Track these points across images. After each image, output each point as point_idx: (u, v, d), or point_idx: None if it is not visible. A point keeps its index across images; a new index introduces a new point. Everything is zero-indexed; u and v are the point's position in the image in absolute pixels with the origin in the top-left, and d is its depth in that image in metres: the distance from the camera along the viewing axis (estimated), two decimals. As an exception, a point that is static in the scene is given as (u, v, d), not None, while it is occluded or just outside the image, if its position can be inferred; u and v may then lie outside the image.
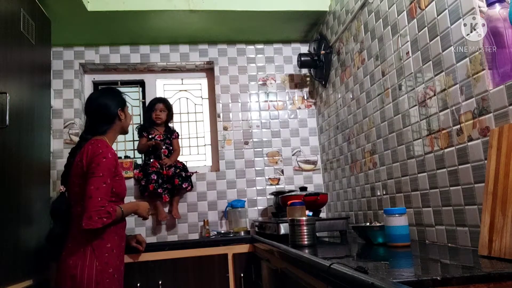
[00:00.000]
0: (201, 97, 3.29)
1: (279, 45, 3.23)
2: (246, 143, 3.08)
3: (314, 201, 2.36)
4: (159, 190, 2.74)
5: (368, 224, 1.86)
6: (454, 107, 1.46)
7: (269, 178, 3.06)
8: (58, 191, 2.07)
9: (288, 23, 2.94)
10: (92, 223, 1.67)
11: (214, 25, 2.91)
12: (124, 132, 2.08)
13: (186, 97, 3.29)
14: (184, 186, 2.79)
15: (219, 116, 3.11)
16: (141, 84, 3.23)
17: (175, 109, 3.21)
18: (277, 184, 3.06)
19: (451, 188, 1.49)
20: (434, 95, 1.58)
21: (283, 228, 2.04)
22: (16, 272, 1.72)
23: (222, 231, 2.86)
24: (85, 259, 1.72)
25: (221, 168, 3.03)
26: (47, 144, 2.18)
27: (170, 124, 3.02)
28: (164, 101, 2.95)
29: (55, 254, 1.85)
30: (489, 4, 1.28)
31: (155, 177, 2.74)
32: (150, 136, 2.86)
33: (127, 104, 2.08)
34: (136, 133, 3.00)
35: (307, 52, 3.02)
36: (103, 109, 1.95)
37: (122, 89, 3.18)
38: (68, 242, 1.79)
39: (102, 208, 1.69)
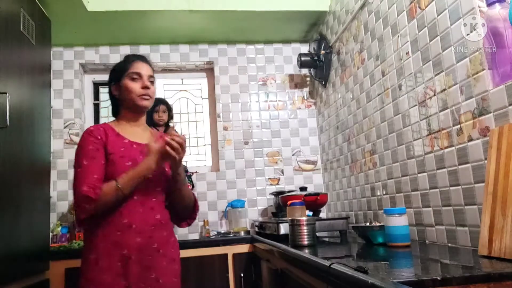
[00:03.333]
0: (201, 97, 3.29)
1: (279, 45, 3.23)
2: (246, 143, 3.08)
3: (314, 201, 2.37)
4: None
5: (368, 224, 1.86)
6: (454, 107, 1.46)
7: (269, 178, 3.06)
8: None
9: (288, 23, 2.94)
10: (76, 216, 1.39)
11: (214, 25, 2.91)
12: (133, 106, 1.54)
13: (186, 97, 3.29)
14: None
15: (219, 116, 3.11)
16: (141, 84, 3.23)
17: (175, 109, 3.22)
18: (277, 184, 3.06)
19: (451, 188, 1.49)
20: (434, 95, 1.58)
21: (283, 228, 2.04)
22: (16, 272, 1.72)
23: (222, 231, 2.86)
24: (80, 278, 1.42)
25: (221, 168, 3.02)
26: (47, 144, 2.18)
27: (170, 124, 3.01)
28: (165, 102, 2.94)
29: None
30: (489, 4, 1.28)
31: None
32: None
33: (127, 71, 1.55)
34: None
35: (307, 52, 3.02)
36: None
37: (122, 89, 3.18)
38: None
39: (78, 195, 1.35)
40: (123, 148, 1.48)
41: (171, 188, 1.57)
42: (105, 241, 1.40)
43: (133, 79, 1.54)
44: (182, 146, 1.43)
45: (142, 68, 1.56)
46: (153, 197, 1.50)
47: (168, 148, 1.40)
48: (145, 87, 1.53)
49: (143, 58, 1.62)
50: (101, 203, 1.36)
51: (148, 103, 1.55)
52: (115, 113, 1.62)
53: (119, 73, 1.57)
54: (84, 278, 1.39)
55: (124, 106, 1.58)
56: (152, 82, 1.58)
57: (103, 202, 1.37)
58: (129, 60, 1.59)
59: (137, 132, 1.58)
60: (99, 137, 1.46)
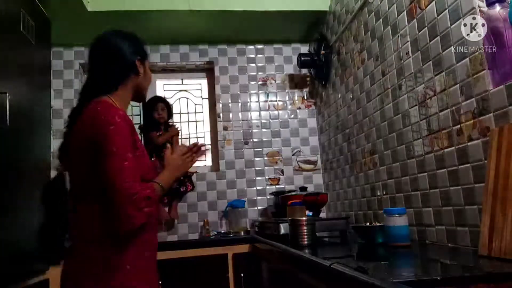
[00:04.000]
0: (201, 97, 3.29)
1: (279, 45, 3.23)
2: (246, 143, 3.08)
3: (314, 201, 2.36)
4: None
5: (368, 224, 1.86)
6: (454, 107, 1.46)
7: (269, 178, 3.06)
8: (56, 168, 1.51)
9: (288, 23, 2.94)
10: (132, 221, 1.13)
11: (214, 25, 2.91)
12: (140, 95, 1.43)
13: (186, 97, 3.29)
14: (182, 190, 2.80)
15: (219, 116, 3.11)
16: (141, 84, 3.23)
17: (175, 109, 3.22)
18: (277, 184, 3.06)
19: (451, 188, 1.49)
20: (434, 95, 1.58)
21: (283, 228, 2.04)
22: (16, 272, 1.72)
23: (222, 231, 2.85)
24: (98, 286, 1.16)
25: (221, 168, 3.02)
26: (47, 144, 2.18)
27: (170, 122, 3.01)
28: (163, 99, 2.93)
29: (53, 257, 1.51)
30: (489, 4, 1.28)
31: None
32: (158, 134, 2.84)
33: (148, 58, 1.47)
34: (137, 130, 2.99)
35: (307, 52, 3.02)
36: (114, 54, 1.37)
37: (122, 89, 3.18)
38: (70, 254, 1.26)
39: (136, 195, 1.13)
40: (139, 141, 1.31)
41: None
42: (149, 266, 1.23)
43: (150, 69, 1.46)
44: (196, 149, 1.41)
45: None
46: None
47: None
48: None
49: None
50: (157, 204, 1.22)
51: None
52: (109, 86, 1.34)
53: (145, 52, 1.42)
54: (140, 282, 1.18)
55: (133, 87, 1.38)
56: None
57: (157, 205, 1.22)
58: (146, 45, 1.48)
59: None
60: (131, 126, 1.26)
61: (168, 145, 1.42)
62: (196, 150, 1.39)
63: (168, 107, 2.92)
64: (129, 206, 1.12)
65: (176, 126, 2.92)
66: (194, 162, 1.40)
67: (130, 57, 1.37)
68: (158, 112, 2.84)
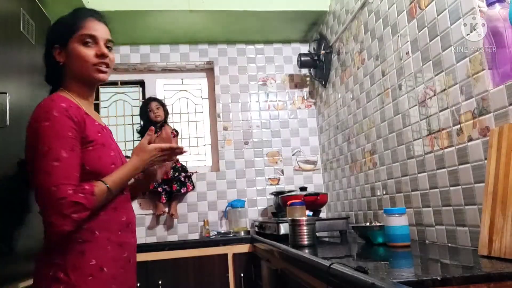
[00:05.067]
0: (201, 97, 3.29)
1: (279, 45, 3.23)
2: (246, 143, 3.08)
3: (314, 201, 2.37)
4: (158, 189, 2.76)
5: (368, 224, 1.86)
6: (454, 107, 1.46)
7: (269, 178, 3.06)
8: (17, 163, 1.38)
9: (288, 23, 2.94)
10: (56, 228, 1.05)
11: (214, 25, 2.91)
12: (84, 78, 1.24)
13: (186, 97, 3.29)
14: (182, 191, 2.80)
15: (219, 116, 3.11)
16: (141, 84, 3.23)
17: (175, 109, 3.22)
18: (277, 184, 3.06)
19: (451, 188, 1.49)
20: (434, 95, 1.58)
21: (283, 228, 2.04)
22: (16, 273, 1.72)
23: (222, 231, 2.86)
24: None
25: (221, 168, 3.02)
26: (47, 144, 2.18)
27: (169, 123, 3.01)
28: (154, 98, 2.92)
29: None
30: (489, 4, 1.28)
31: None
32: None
33: (76, 33, 1.24)
34: (136, 133, 2.99)
35: (307, 52, 3.02)
36: (44, 49, 1.29)
37: (122, 89, 3.19)
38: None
39: (63, 199, 1.04)
40: (100, 133, 1.21)
41: (138, 192, 1.44)
42: (111, 243, 1.15)
43: (85, 44, 1.22)
44: (176, 152, 1.31)
45: (97, 29, 1.24)
46: (128, 193, 1.33)
47: (162, 152, 1.26)
48: (102, 55, 1.23)
49: (97, 15, 1.28)
50: (92, 212, 1.10)
51: (105, 76, 1.26)
52: (55, 82, 1.27)
53: (65, 34, 1.22)
54: None
55: (72, 77, 1.24)
56: (110, 49, 1.29)
57: (93, 211, 1.11)
58: (79, 16, 1.26)
59: (93, 113, 1.29)
60: (76, 120, 1.13)
61: (149, 132, 1.31)
62: (175, 153, 1.32)
63: (163, 105, 2.91)
64: (53, 212, 1.05)
65: (172, 129, 2.88)
66: (165, 162, 1.33)
67: (49, 49, 1.26)
68: (154, 111, 2.83)
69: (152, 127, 1.36)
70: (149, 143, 1.29)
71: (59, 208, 1.04)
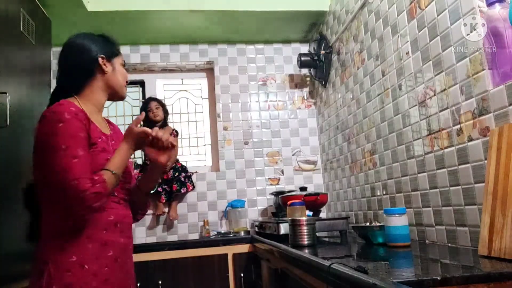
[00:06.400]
0: (201, 97, 3.29)
1: (279, 45, 3.23)
2: (246, 143, 3.08)
3: (314, 201, 2.37)
4: (158, 189, 2.76)
5: (368, 224, 1.86)
6: (454, 107, 1.46)
7: (269, 178, 3.06)
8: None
9: (288, 23, 2.94)
10: (82, 219, 1.18)
11: (214, 25, 2.91)
12: (114, 93, 1.40)
13: (186, 97, 3.29)
14: (182, 191, 2.80)
15: (219, 116, 3.11)
16: (141, 84, 3.23)
17: (175, 109, 3.22)
18: (277, 184, 3.06)
19: (451, 188, 1.49)
20: (434, 95, 1.58)
21: (283, 228, 2.04)
22: (16, 273, 1.72)
23: (222, 231, 2.86)
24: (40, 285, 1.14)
25: (221, 168, 3.02)
26: (47, 144, 2.18)
27: (169, 123, 3.01)
28: (154, 98, 2.92)
29: None
30: (489, 4, 1.28)
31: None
32: None
33: (119, 56, 1.44)
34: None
35: (307, 52, 3.02)
36: (76, 55, 1.37)
37: (122, 89, 3.18)
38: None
39: (85, 193, 1.12)
40: (100, 139, 1.30)
41: (147, 185, 1.45)
42: (93, 241, 1.20)
43: (123, 65, 1.45)
44: (168, 143, 1.31)
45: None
46: (125, 195, 1.36)
47: (146, 135, 1.29)
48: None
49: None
50: (109, 189, 1.20)
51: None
52: (72, 87, 1.34)
53: (113, 51, 1.42)
54: (59, 285, 1.13)
55: (103, 88, 1.37)
56: None
57: (109, 190, 1.20)
58: (116, 44, 1.46)
59: (100, 121, 1.37)
60: (84, 123, 1.23)
61: (138, 117, 1.37)
62: (166, 145, 1.32)
63: (162, 105, 2.91)
64: (77, 203, 1.12)
65: (172, 129, 2.87)
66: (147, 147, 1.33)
67: (92, 56, 1.35)
68: (153, 111, 2.83)
69: (143, 112, 1.46)
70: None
71: (83, 200, 1.12)
